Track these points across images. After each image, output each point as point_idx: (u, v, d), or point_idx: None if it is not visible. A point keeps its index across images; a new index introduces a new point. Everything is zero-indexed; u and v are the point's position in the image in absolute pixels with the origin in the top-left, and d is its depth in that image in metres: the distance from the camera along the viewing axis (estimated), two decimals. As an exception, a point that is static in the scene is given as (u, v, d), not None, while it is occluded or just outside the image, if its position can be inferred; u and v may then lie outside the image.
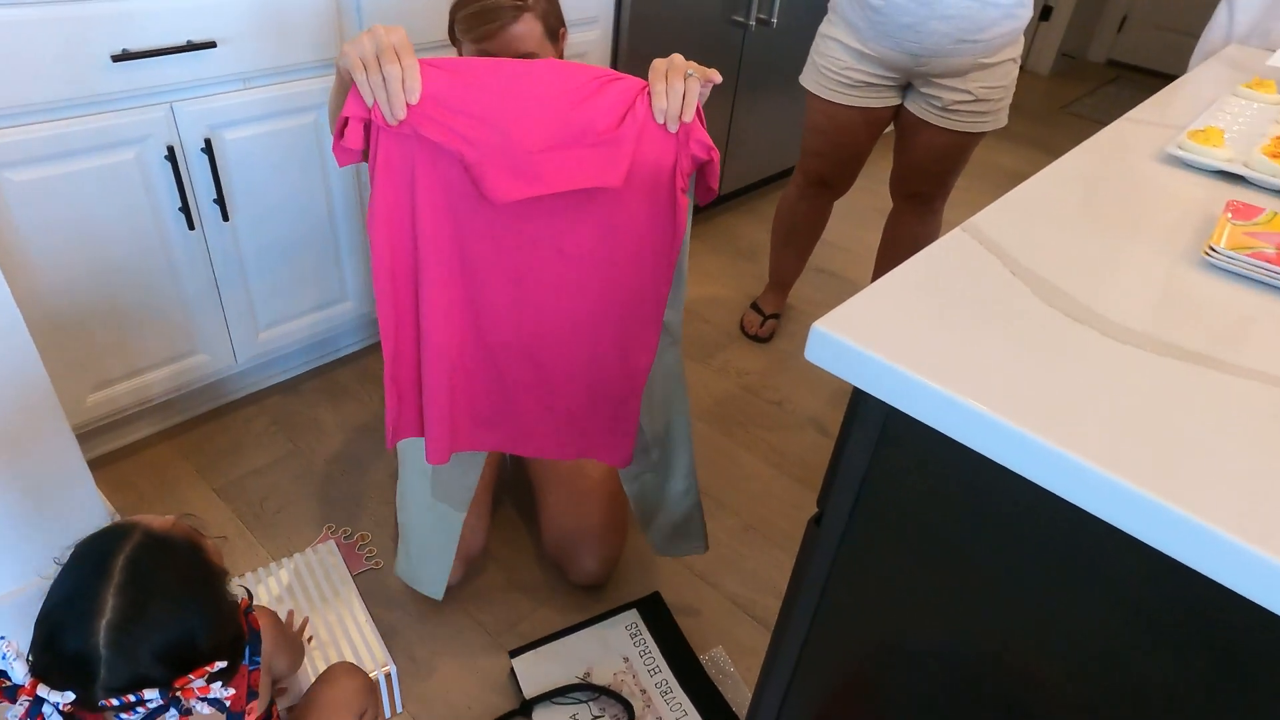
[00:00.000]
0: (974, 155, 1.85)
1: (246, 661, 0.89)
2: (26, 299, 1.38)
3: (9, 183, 1.29)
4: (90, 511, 1.28)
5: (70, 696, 0.72)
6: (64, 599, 0.76)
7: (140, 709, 0.72)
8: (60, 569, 0.78)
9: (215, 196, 1.52)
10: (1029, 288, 0.66)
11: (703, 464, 1.81)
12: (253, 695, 0.89)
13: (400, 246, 1.01)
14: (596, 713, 1.30)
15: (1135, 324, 0.63)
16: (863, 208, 2.88)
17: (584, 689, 1.32)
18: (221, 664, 0.77)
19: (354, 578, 1.43)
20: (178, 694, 0.73)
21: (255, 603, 0.94)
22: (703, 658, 1.39)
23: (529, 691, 1.31)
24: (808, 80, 1.85)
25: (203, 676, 0.75)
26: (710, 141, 1.00)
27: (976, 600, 0.62)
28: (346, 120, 0.92)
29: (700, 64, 0.99)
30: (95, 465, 1.62)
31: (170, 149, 1.43)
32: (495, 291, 1.06)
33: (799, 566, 0.76)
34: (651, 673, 1.36)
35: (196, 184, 1.50)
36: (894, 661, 0.72)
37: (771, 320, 2.24)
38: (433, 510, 1.32)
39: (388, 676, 1.25)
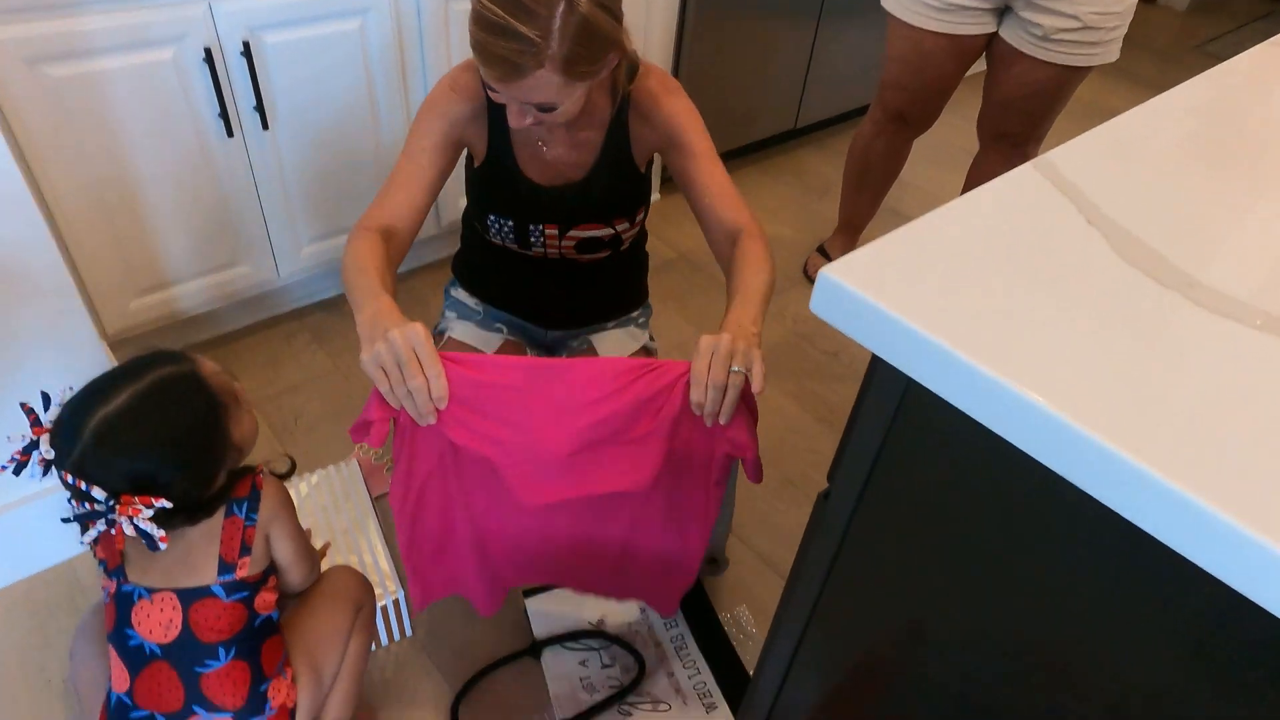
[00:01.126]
0: (1078, 95, 1.65)
1: (242, 516, 0.92)
2: (65, 199, 1.37)
3: (46, 77, 1.26)
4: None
5: (50, 454, 0.80)
6: (104, 376, 0.85)
7: (86, 503, 0.79)
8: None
9: (255, 104, 1.47)
10: (1106, 240, 0.54)
11: (746, 413, 1.72)
12: (245, 550, 0.91)
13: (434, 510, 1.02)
14: (607, 662, 1.25)
15: (1239, 292, 0.50)
16: (946, 147, 2.66)
17: (596, 636, 1.28)
18: (166, 504, 0.80)
19: (376, 501, 1.41)
20: (115, 506, 0.79)
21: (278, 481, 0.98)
22: (724, 615, 1.33)
23: (540, 633, 1.28)
24: (890, 2, 1.67)
25: (147, 504, 0.79)
26: (748, 440, 0.92)
27: (998, 598, 0.53)
28: (370, 421, 0.90)
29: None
30: (138, 370, 1.64)
31: (208, 51, 1.38)
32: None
33: (805, 542, 0.68)
34: (668, 626, 1.31)
35: (236, 89, 1.45)
36: (902, 648, 0.63)
37: None
38: None
39: (395, 603, 1.23)
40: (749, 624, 1.33)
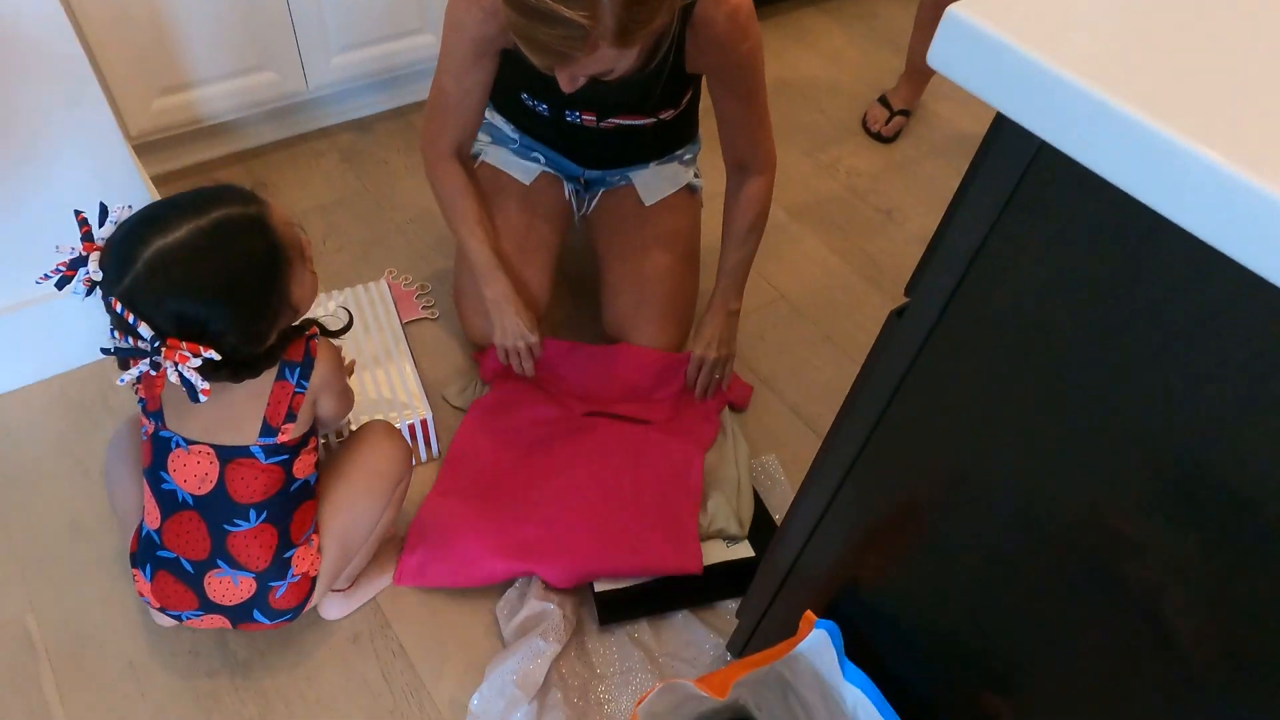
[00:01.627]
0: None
1: (293, 382, 0.86)
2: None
3: None
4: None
5: (99, 275, 0.75)
6: (166, 203, 0.79)
7: (130, 339, 0.73)
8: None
9: (282, -118, 1.33)
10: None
11: (787, 266, 1.65)
12: (290, 416, 0.87)
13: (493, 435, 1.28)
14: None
15: None
16: None
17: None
18: (214, 355, 0.75)
19: (405, 325, 1.38)
20: (161, 348, 0.73)
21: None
22: (752, 461, 1.31)
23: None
24: None
25: (194, 352, 0.74)
26: (728, 396, 1.37)
27: (1079, 449, 0.48)
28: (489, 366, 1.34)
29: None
30: (161, 181, 1.58)
31: None
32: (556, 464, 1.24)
33: (869, 365, 0.62)
34: (695, 467, 1.29)
35: None
36: (957, 492, 0.59)
37: (900, 118, 1.94)
38: None
39: (424, 423, 1.21)
40: (777, 471, 1.31)
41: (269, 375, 0.85)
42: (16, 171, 1.09)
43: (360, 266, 1.53)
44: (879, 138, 1.95)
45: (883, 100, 1.98)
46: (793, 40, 2.23)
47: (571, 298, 1.53)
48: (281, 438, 0.87)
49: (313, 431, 0.93)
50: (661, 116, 1.24)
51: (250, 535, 0.89)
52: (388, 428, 1.04)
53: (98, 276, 0.75)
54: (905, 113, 1.95)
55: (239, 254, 0.79)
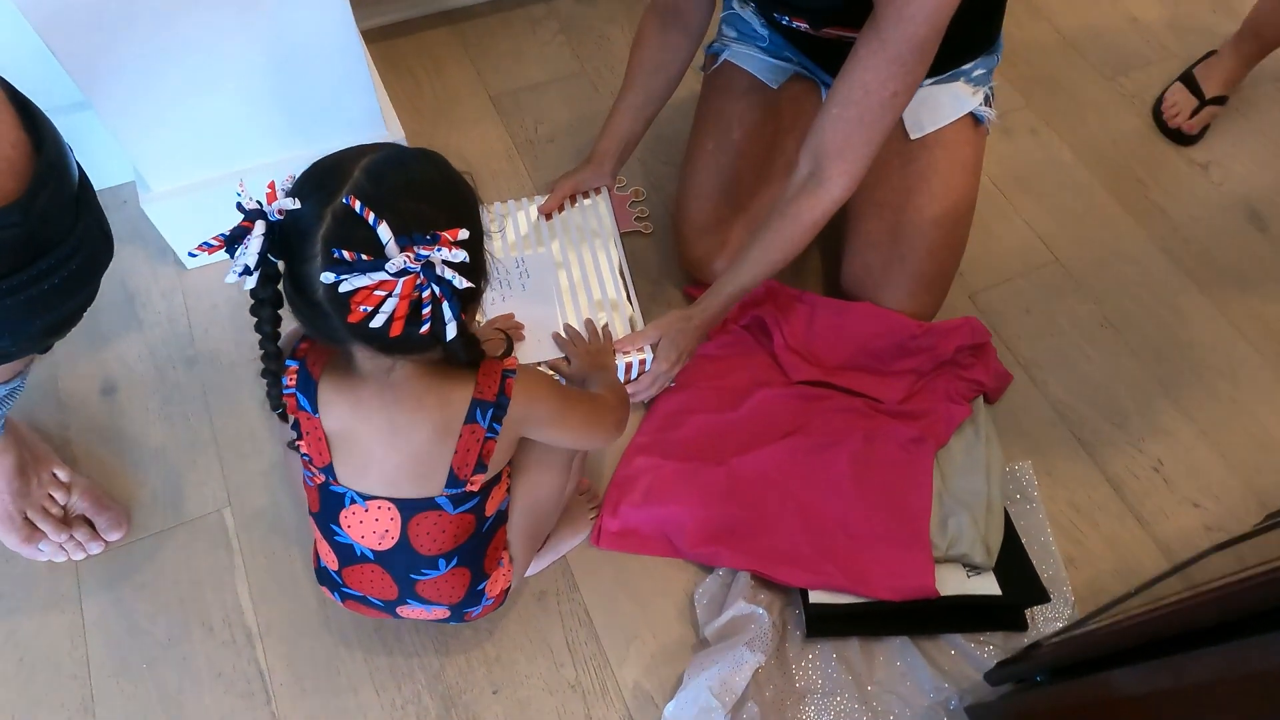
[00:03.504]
0: None
1: (484, 426, 0.71)
2: None
3: None
4: (360, 89, 1.10)
5: (294, 204, 0.59)
6: (352, 150, 0.63)
7: (362, 252, 0.57)
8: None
9: None
10: None
11: (1067, 224, 1.36)
12: (481, 467, 0.72)
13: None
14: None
15: None
16: None
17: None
18: (466, 256, 0.59)
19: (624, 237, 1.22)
20: (423, 243, 0.58)
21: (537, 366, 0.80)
22: (1005, 470, 1.10)
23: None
24: None
25: (455, 238, 0.59)
26: (988, 381, 1.14)
27: None
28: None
29: None
30: (370, 38, 1.44)
31: None
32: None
33: None
34: (932, 463, 1.10)
35: None
36: None
37: (1212, 107, 1.44)
38: None
39: (641, 363, 1.07)
40: (1030, 484, 1.10)
41: (458, 415, 0.70)
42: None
43: (568, 159, 1.36)
44: (1179, 135, 1.45)
45: (1188, 80, 1.47)
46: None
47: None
48: (470, 487, 0.74)
49: (507, 464, 0.80)
50: None
51: (441, 580, 0.79)
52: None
53: (293, 205, 0.59)
54: (1220, 100, 1.45)
55: (450, 173, 0.65)
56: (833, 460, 1.04)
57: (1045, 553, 1.04)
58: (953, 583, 0.98)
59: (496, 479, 0.79)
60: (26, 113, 0.61)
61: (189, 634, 0.96)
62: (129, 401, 1.11)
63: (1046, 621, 1.00)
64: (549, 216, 1.21)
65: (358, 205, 0.57)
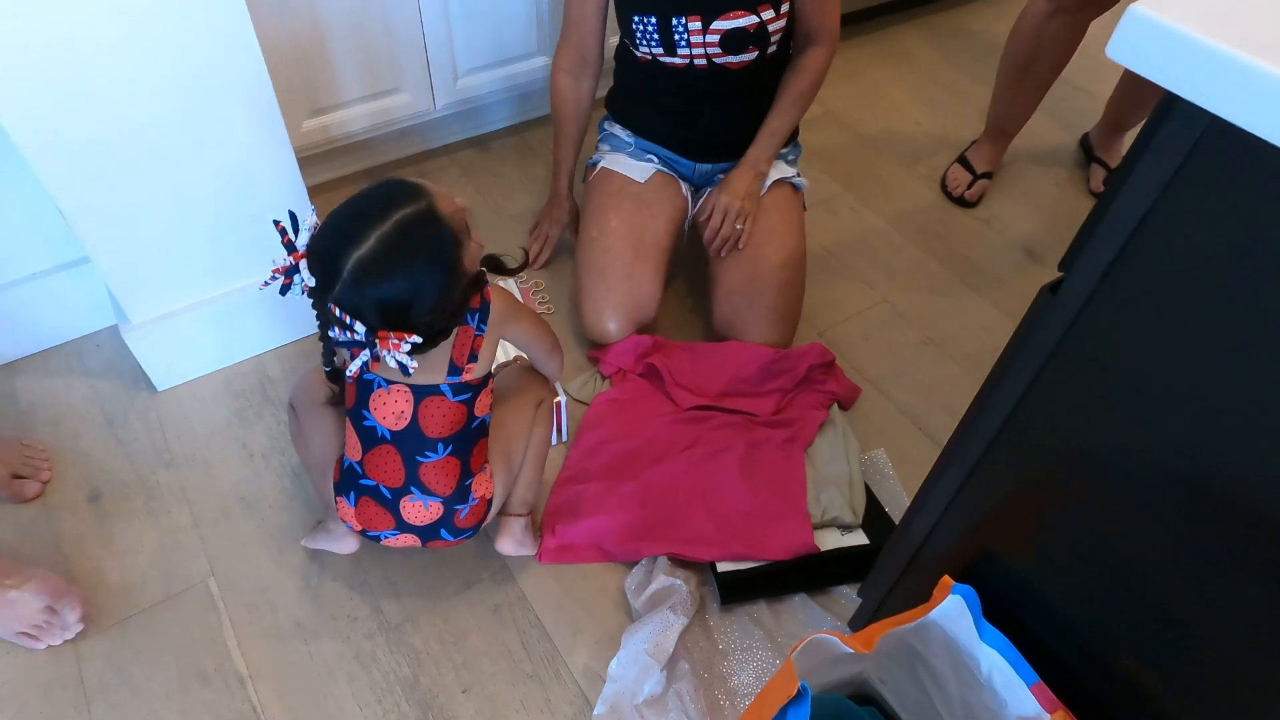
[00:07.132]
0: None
1: (474, 326, 0.98)
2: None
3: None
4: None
5: (313, 282, 0.86)
6: (346, 216, 0.88)
7: (349, 333, 0.85)
8: (365, 188, 0.91)
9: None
10: None
11: (888, 273, 1.70)
12: (473, 357, 0.99)
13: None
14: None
15: None
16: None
17: (737, 462, 1.35)
18: (417, 339, 0.87)
19: (529, 325, 1.48)
20: (375, 340, 0.86)
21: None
22: (862, 457, 1.36)
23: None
24: None
25: (401, 339, 0.86)
26: (839, 391, 1.44)
27: (1256, 407, 0.52)
28: (611, 368, 1.46)
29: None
30: (314, 191, 1.71)
31: None
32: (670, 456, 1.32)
33: (1017, 339, 0.68)
34: (806, 460, 1.35)
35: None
36: (1111, 459, 0.64)
37: (983, 180, 1.85)
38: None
39: (557, 405, 1.30)
40: (885, 465, 1.35)
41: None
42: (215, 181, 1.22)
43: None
44: (962, 202, 1.84)
45: (963, 161, 1.89)
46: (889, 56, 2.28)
47: (679, 300, 1.61)
48: (465, 376, 0.98)
49: (490, 375, 1.04)
50: (763, 16, 1.30)
51: (439, 465, 1.01)
52: (527, 367, 1.20)
53: (312, 283, 0.86)
54: (989, 175, 1.86)
55: (423, 249, 0.89)
56: (724, 464, 1.27)
57: (902, 511, 1.28)
58: (830, 540, 1.20)
59: (484, 384, 1.02)
60: None
61: (185, 686, 1.08)
62: (114, 504, 1.26)
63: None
64: (546, 264, 1.65)
65: (338, 311, 0.85)
